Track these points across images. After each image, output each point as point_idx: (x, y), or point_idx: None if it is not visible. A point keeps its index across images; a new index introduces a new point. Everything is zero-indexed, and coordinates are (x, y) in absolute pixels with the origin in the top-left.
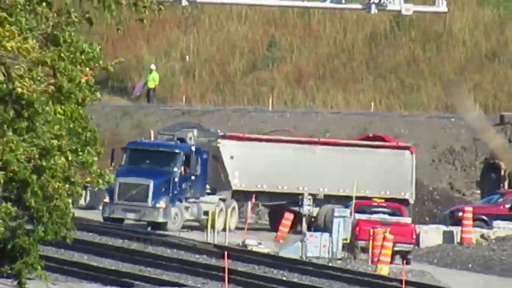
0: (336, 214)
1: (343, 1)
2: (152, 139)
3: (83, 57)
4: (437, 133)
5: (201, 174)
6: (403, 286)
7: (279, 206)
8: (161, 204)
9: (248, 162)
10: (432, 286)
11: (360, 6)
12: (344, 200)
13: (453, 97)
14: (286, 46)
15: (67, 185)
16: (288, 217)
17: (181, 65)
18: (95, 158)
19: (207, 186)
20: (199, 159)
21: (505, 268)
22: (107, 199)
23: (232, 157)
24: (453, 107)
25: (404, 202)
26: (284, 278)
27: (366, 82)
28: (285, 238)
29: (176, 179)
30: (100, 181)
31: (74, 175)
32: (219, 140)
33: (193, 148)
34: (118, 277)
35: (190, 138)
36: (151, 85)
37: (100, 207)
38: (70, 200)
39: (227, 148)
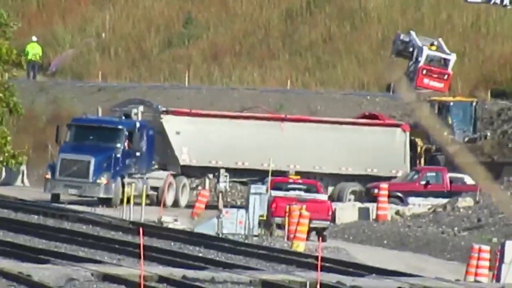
0: (252, 190)
1: None
2: (100, 115)
3: None
4: (353, 110)
5: (147, 150)
6: (319, 262)
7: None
8: (102, 180)
9: (198, 138)
10: (348, 263)
11: None
12: (319, 177)
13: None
14: (202, 23)
15: None
16: (204, 194)
17: (97, 41)
18: (9, 138)
19: (153, 162)
20: (144, 135)
21: (420, 245)
22: (48, 175)
23: (178, 133)
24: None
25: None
26: (201, 255)
27: (282, 59)
28: (200, 214)
29: (119, 155)
30: (13, 161)
31: None
32: (162, 116)
33: (138, 124)
34: (34, 254)
35: (135, 114)
36: (34, 58)
37: (16, 183)
38: None
39: (171, 123)
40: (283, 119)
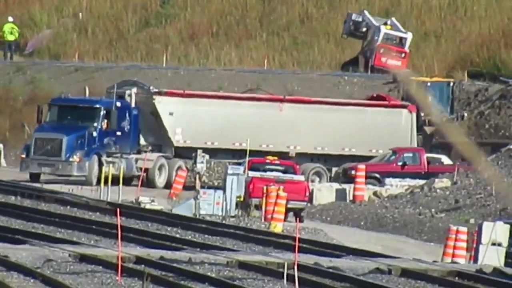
0: (229, 171)
1: None
2: (87, 96)
3: None
4: (330, 90)
5: (130, 130)
6: (296, 243)
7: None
8: (75, 158)
9: (193, 119)
10: (325, 244)
11: None
12: (322, 158)
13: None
14: (179, 3)
15: None
16: (182, 174)
17: (74, 22)
18: None
19: (144, 143)
20: (126, 115)
21: (397, 226)
22: (23, 155)
23: (171, 114)
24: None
25: None
26: (178, 236)
27: (259, 39)
28: (178, 195)
29: (95, 134)
30: None
31: None
32: (154, 97)
33: (118, 104)
34: (11, 234)
35: (129, 95)
36: (10, 38)
37: None
38: None
39: (163, 104)
40: (282, 100)
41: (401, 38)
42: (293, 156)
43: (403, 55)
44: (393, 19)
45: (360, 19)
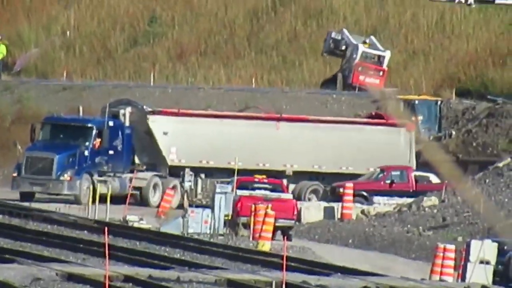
0: (217, 190)
1: None
2: (81, 115)
3: None
4: (318, 109)
5: (123, 149)
6: (284, 262)
7: None
8: (66, 177)
9: (188, 138)
10: (313, 262)
11: None
12: (320, 177)
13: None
14: (167, 22)
15: None
16: (170, 193)
17: (62, 40)
18: None
19: (137, 162)
20: (119, 134)
21: (385, 244)
22: (15, 174)
23: (165, 133)
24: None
25: None
26: (166, 254)
27: (247, 58)
28: (166, 214)
29: (86, 153)
30: None
31: None
32: (148, 116)
33: (111, 123)
34: None
35: (123, 115)
36: None
37: None
38: None
39: (158, 124)
40: (279, 119)
41: (379, 56)
42: (290, 175)
43: (381, 73)
44: (372, 37)
45: (340, 38)
